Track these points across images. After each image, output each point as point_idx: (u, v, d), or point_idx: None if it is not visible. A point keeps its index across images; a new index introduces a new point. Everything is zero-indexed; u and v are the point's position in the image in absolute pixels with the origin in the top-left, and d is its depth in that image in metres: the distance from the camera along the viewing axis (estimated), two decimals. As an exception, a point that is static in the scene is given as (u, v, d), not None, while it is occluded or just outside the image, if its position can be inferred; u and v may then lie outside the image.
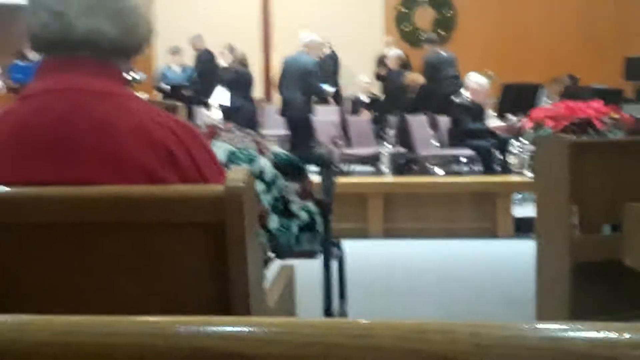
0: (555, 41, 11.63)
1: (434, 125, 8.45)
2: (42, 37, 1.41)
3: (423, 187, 6.25)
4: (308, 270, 2.70)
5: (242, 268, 1.29)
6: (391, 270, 4.89)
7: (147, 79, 8.99)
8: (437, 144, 8.29)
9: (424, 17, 12.21)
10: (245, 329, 0.58)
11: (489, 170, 7.63)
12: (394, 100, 8.98)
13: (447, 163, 8.24)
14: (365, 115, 9.48)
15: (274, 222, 2.05)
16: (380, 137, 8.75)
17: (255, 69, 11.01)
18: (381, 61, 10.50)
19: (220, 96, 9.10)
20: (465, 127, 7.87)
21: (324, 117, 8.84)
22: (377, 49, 11.14)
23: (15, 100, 1.45)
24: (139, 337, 0.59)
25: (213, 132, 2.31)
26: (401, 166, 8.17)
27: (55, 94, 1.39)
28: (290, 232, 2.10)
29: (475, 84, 8.06)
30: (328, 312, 2.79)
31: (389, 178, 7.42)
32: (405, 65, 10.02)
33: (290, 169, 2.28)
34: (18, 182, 1.32)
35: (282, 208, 2.12)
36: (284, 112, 8.75)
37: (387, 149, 8.29)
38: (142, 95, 5.06)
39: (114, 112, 1.37)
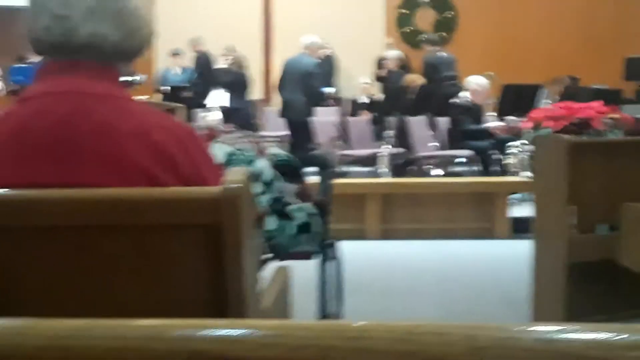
0: (555, 42, 11.64)
1: (433, 126, 8.46)
2: (44, 40, 1.41)
3: (421, 187, 6.25)
4: (304, 272, 2.71)
5: (239, 270, 1.29)
6: (389, 271, 4.89)
7: (148, 81, 8.99)
8: (436, 145, 8.29)
9: (425, 18, 12.22)
10: (241, 332, 0.58)
11: (487, 170, 7.63)
12: (394, 102, 8.99)
13: (446, 164, 8.24)
14: (365, 116, 9.48)
15: (271, 223, 2.05)
16: (379, 138, 8.76)
17: (256, 71, 11.02)
18: (381, 62, 10.50)
19: (219, 98, 9.11)
20: (465, 127, 7.88)
21: (323, 118, 8.85)
22: (378, 50, 11.15)
23: (15, 102, 1.45)
24: (137, 340, 0.59)
25: (212, 133, 2.31)
26: (400, 167, 8.18)
27: (55, 96, 1.39)
28: (288, 233, 2.10)
29: (475, 84, 8.07)
30: (324, 313, 2.79)
31: (387, 179, 7.42)
32: (404, 66, 10.03)
33: (289, 170, 2.28)
34: (18, 184, 1.33)
35: (280, 209, 2.12)
36: (284, 113, 8.75)
37: (386, 149, 8.30)
38: (142, 97, 5.06)
39: (114, 114, 1.37)
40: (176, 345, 0.58)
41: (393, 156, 8.17)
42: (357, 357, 0.55)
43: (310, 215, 2.22)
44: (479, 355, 0.54)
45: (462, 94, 8.33)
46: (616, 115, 4.13)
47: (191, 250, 1.32)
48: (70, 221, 1.29)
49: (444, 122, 8.28)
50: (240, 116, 8.60)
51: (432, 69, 9.64)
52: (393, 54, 9.99)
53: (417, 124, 8.26)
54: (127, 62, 1.49)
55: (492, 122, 8.25)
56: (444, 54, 10.05)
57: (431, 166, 8.09)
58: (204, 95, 9.39)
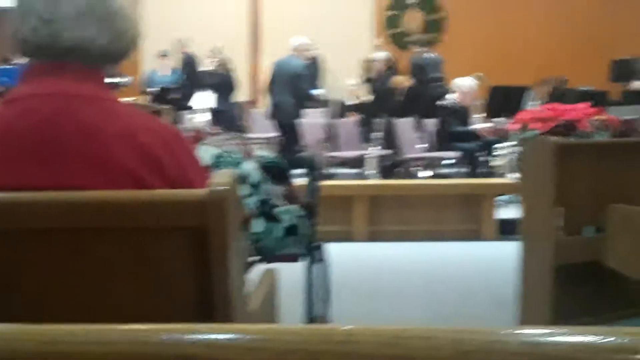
0: (543, 43, 11.70)
1: (420, 128, 8.48)
2: (31, 42, 1.41)
3: (409, 189, 6.27)
4: (292, 274, 2.70)
5: (225, 272, 1.29)
6: (377, 273, 4.89)
7: (134, 82, 8.97)
8: (424, 147, 8.31)
9: (413, 19, 12.25)
10: (229, 336, 0.58)
11: (474, 172, 7.66)
12: (382, 103, 9.01)
13: (433, 165, 8.26)
14: (353, 118, 9.49)
15: (258, 225, 2.05)
16: (367, 139, 8.77)
17: (243, 72, 11.01)
18: (369, 64, 10.52)
19: (204, 99, 9.11)
20: (452, 129, 7.90)
21: (311, 120, 8.86)
22: (366, 51, 11.16)
23: (0, 104, 1.44)
24: (123, 345, 0.59)
25: (199, 135, 2.30)
26: (387, 169, 8.19)
27: (41, 97, 1.38)
28: (275, 235, 2.10)
29: (462, 86, 8.09)
30: (311, 316, 2.79)
31: (375, 180, 7.43)
32: (392, 67, 10.05)
33: (276, 172, 2.28)
34: (3, 185, 1.32)
35: (267, 211, 2.11)
36: (273, 115, 8.76)
37: (373, 151, 8.31)
38: (129, 99, 5.05)
39: (100, 116, 1.36)
40: (163, 350, 0.58)
41: (381, 158, 8.18)
42: (344, 361, 0.55)
43: (298, 217, 2.22)
44: (466, 359, 0.54)
45: (449, 95, 8.36)
46: (602, 117, 4.15)
47: (177, 252, 1.31)
48: (56, 224, 1.29)
49: (431, 123, 8.31)
50: (226, 118, 8.60)
51: (419, 70, 9.67)
52: (381, 55, 10.01)
53: (405, 125, 8.28)
54: (113, 64, 1.48)
55: (479, 123, 8.28)
56: (431, 55, 10.08)
57: (419, 168, 8.11)
58: (189, 97, 9.38)
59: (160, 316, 1.28)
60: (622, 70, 10.06)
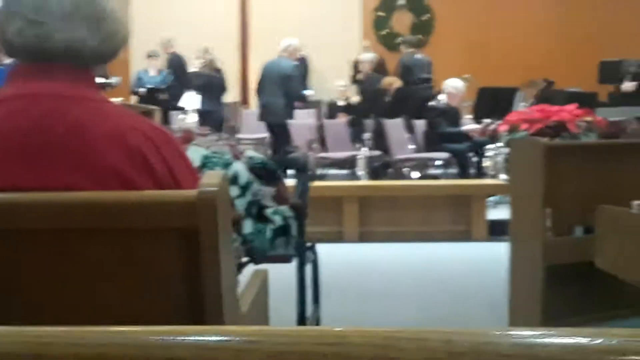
0: (531, 45, 11.74)
1: (410, 129, 8.49)
2: (17, 43, 1.40)
3: (399, 190, 6.28)
4: (282, 275, 2.70)
5: (215, 273, 1.29)
6: (367, 274, 4.89)
7: (123, 83, 8.94)
8: (413, 147, 8.33)
9: (402, 21, 12.27)
10: (219, 338, 0.58)
11: (464, 173, 7.68)
12: (371, 104, 9.02)
13: (423, 166, 8.28)
14: (342, 119, 9.50)
15: (248, 226, 2.04)
16: (356, 140, 8.78)
17: (233, 73, 10.99)
18: (357, 65, 10.54)
19: (190, 100, 9.09)
20: (441, 130, 7.92)
21: (301, 121, 8.86)
22: (355, 52, 11.18)
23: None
24: (112, 347, 0.58)
25: (188, 136, 2.30)
26: (377, 169, 8.20)
27: (28, 98, 1.37)
28: (265, 236, 2.09)
29: (451, 87, 8.12)
30: (302, 316, 2.79)
31: (365, 181, 7.44)
32: (378, 69, 10.06)
33: (265, 173, 2.27)
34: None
35: (257, 212, 2.11)
36: (263, 116, 8.76)
37: (363, 152, 8.32)
38: (117, 100, 5.03)
39: (88, 117, 1.36)
40: (153, 352, 0.58)
41: (370, 159, 8.19)
42: (336, 363, 0.55)
43: (287, 218, 2.22)
44: (458, 360, 0.54)
45: (438, 96, 8.38)
46: (590, 119, 4.17)
47: (167, 254, 1.31)
48: (45, 225, 1.28)
49: (420, 124, 8.32)
50: (213, 119, 8.58)
51: (406, 71, 9.69)
52: (367, 56, 10.02)
53: (394, 126, 8.29)
54: (102, 65, 1.48)
55: (469, 124, 8.30)
56: (420, 56, 10.10)
57: (409, 169, 8.13)
58: (177, 97, 9.36)
59: (150, 318, 1.28)
60: (609, 72, 10.10)
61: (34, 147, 1.33)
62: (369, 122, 8.64)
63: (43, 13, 1.38)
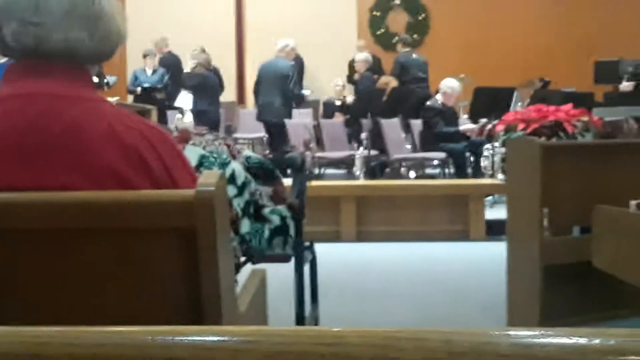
0: (528, 45, 11.75)
1: (406, 129, 8.50)
2: (14, 44, 1.39)
3: (396, 190, 6.28)
4: (280, 274, 2.70)
5: (214, 273, 1.28)
6: (364, 274, 4.89)
7: (119, 82, 8.93)
8: (410, 147, 8.33)
9: (398, 20, 12.27)
10: (217, 338, 0.58)
11: (461, 173, 7.68)
12: (367, 104, 9.02)
13: (420, 166, 8.28)
14: (339, 119, 9.51)
15: (245, 226, 2.04)
16: (353, 140, 8.78)
17: (229, 72, 10.99)
18: (352, 65, 10.55)
19: (183, 100, 9.09)
20: (438, 130, 7.92)
21: (297, 120, 8.86)
22: (351, 52, 11.19)
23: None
24: (110, 347, 0.58)
25: (185, 136, 2.29)
26: (374, 169, 8.20)
27: (24, 98, 1.37)
28: (262, 236, 2.09)
29: (447, 87, 8.12)
30: (300, 316, 2.78)
31: (362, 181, 7.44)
32: (373, 68, 10.06)
33: (262, 173, 2.27)
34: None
35: (254, 212, 2.11)
36: (260, 116, 8.77)
37: (360, 152, 8.32)
38: (113, 99, 5.02)
39: (84, 116, 1.35)
40: (151, 352, 0.57)
41: (367, 158, 8.19)
42: (334, 363, 0.55)
43: (285, 217, 2.21)
44: (457, 360, 0.54)
45: (435, 96, 8.38)
46: (586, 119, 4.18)
47: (165, 253, 1.31)
48: (42, 225, 1.28)
49: (417, 124, 8.33)
50: (208, 118, 8.57)
51: (401, 69, 9.70)
52: (360, 56, 10.02)
53: (391, 126, 8.30)
54: (98, 65, 1.47)
55: (466, 124, 8.31)
56: (415, 55, 10.11)
57: (407, 168, 8.13)
58: (172, 97, 9.37)
59: (147, 318, 1.27)
60: (604, 72, 10.12)
61: (30, 147, 1.33)
62: (366, 122, 8.64)
63: (41, 13, 1.37)
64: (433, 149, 7.94)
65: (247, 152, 2.37)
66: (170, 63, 9.88)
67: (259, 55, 9.55)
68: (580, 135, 4.07)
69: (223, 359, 0.56)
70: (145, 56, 9.96)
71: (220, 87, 9.61)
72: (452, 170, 7.95)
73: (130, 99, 9.58)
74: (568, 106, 4.30)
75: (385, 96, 9.02)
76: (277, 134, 8.42)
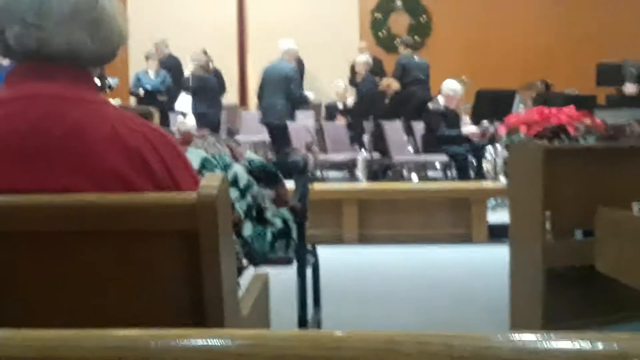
0: (530, 47, 11.74)
1: (408, 131, 8.50)
2: (17, 47, 1.39)
3: (398, 193, 6.27)
4: (282, 278, 2.69)
5: (216, 276, 1.28)
6: (366, 277, 4.89)
7: (121, 84, 8.93)
8: (412, 150, 8.33)
9: (399, 22, 12.29)
10: (219, 342, 0.58)
11: (463, 176, 7.67)
12: (369, 106, 9.02)
13: (422, 169, 8.28)
14: (341, 121, 9.51)
15: (248, 229, 2.04)
16: (355, 142, 8.78)
17: (231, 74, 10.99)
18: (354, 67, 10.56)
19: (183, 103, 9.11)
20: (440, 133, 7.92)
21: (299, 122, 8.87)
22: (353, 54, 11.19)
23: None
24: (113, 351, 0.58)
25: (187, 138, 2.29)
26: (376, 172, 8.20)
27: (27, 100, 1.37)
28: (265, 239, 2.09)
29: (449, 90, 8.11)
30: (303, 319, 2.78)
31: (364, 184, 7.44)
32: (374, 70, 10.06)
33: (265, 175, 2.27)
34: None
35: (256, 215, 2.11)
36: (264, 119, 8.78)
37: (362, 154, 8.32)
38: (115, 101, 5.03)
39: (87, 119, 1.35)
40: (153, 356, 0.57)
41: (370, 161, 8.19)
42: (337, 367, 0.55)
43: (287, 220, 2.21)
44: (459, 364, 0.54)
45: (437, 98, 8.38)
46: (589, 121, 4.17)
47: (168, 256, 1.31)
48: (44, 227, 1.28)
49: (419, 127, 8.33)
50: (209, 121, 8.57)
51: (402, 71, 9.70)
52: (361, 58, 10.03)
53: (393, 128, 8.30)
54: (100, 67, 1.48)
55: (468, 127, 8.30)
56: (417, 57, 10.12)
57: (409, 171, 8.13)
58: (174, 99, 9.38)
59: (150, 321, 1.27)
60: (606, 74, 10.11)
61: (32, 150, 1.33)
62: (368, 124, 8.64)
63: (43, 16, 1.37)
64: (435, 152, 7.94)
65: (250, 154, 2.37)
66: (171, 65, 9.89)
67: (260, 56, 9.56)
68: (582, 138, 4.07)
69: (225, 362, 0.56)
70: (147, 58, 9.97)
71: (221, 89, 9.61)
72: (454, 173, 7.94)
73: (132, 101, 9.59)
74: (570, 108, 4.29)
75: (388, 98, 9.02)
76: (279, 137, 8.42)
